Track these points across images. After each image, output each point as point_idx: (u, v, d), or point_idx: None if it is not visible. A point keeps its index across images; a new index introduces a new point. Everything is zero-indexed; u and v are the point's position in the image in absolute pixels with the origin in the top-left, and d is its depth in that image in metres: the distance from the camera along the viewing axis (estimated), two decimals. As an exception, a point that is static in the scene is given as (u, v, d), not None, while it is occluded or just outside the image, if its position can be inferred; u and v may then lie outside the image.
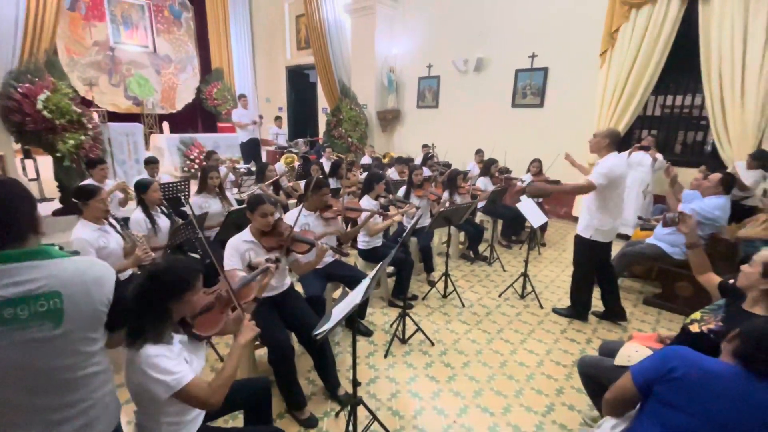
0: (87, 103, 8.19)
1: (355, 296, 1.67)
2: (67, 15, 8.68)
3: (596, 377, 1.93)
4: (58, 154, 4.64)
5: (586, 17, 5.92)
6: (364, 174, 4.62)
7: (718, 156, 5.06)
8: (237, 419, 2.08)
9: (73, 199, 2.45)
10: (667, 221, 1.98)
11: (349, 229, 3.19)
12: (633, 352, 1.83)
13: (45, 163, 5.58)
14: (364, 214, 3.12)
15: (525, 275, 3.67)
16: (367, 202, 3.36)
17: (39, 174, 6.04)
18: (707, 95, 5.00)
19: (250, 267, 2.02)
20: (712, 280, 1.83)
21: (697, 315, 1.68)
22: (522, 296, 3.69)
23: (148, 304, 1.24)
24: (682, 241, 3.22)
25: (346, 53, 8.89)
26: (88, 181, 3.72)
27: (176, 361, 1.24)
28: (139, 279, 1.29)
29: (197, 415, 1.42)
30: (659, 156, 5.09)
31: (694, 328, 1.60)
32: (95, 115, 6.86)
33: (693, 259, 1.90)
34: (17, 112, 4.23)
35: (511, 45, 6.77)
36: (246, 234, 2.28)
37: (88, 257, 1.18)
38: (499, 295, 3.72)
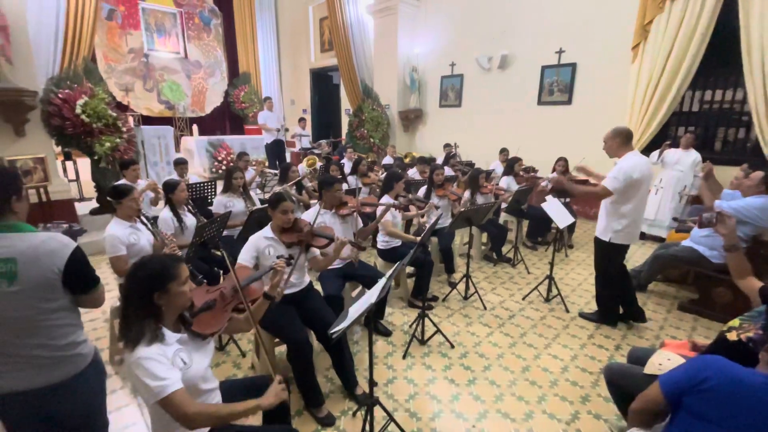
0: (123, 108, 8.63)
1: (371, 295, 1.66)
2: (105, 24, 9.14)
3: (624, 386, 1.83)
4: (95, 156, 4.90)
5: (616, 10, 5.70)
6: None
7: (761, 153, 4.74)
8: (256, 416, 2.11)
9: (108, 198, 2.57)
10: (704, 222, 1.86)
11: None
12: (664, 361, 1.73)
13: (84, 165, 5.90)
14: (380, 209, 3.12)
15: (550, 278, 3.56)
16: (386, 201, 3.34)
17: (78, 175, 6.39)
18: (749, 89, 4.69)
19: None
20: (752, 284, 1.70)
21: (735, 322, 1.57)
22: (547, 299, 3.57)
23: (132, 300, 1.25)
24: (720, 243, 3.03)
25: (368, 54, 8.94)
26: (122, 182, 3.89)
27: (166, 366, 1.23)
28: (126, 277, 1.30)
29: None
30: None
31: (732, 336, 1.49)
32: (130, 119, 7.20)
33: (732, 263, 1.78)
34: (57, 116, 4.48)
35: (537, 41, 6.60)
36: (267, 231, 2.32)
37: (50, 233, 1.33)
38: (523, 298, 3.62)
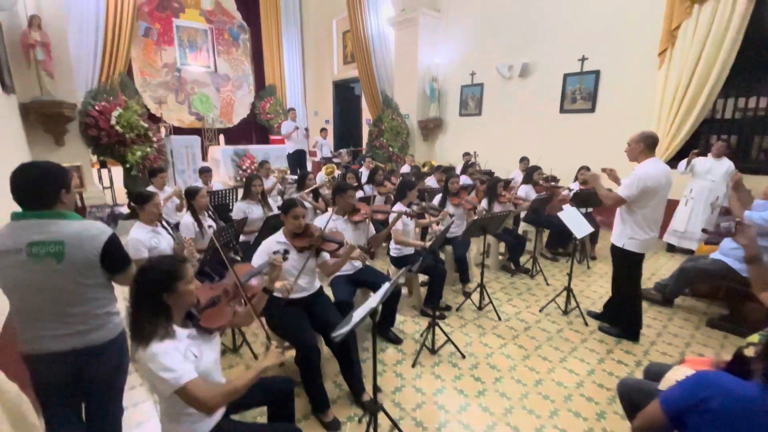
0: (156, 119, 9.08)
1: (374, 300, 1.67)
2: (141, 41, 9.70)
3: (638, 402, 1.75)
4: (127, 165, 5.18)
5: (641, 15, 5.57)
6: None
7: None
8: (264, 417, 2.15)
9: (131, 203, 2.72)
10: (723, 231, 1.77)
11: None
12: (681, 377, 1.65)
13: (118, 173, 6.24)
14: (392, 216, 3.14)
15: (568, 289, 3.45)
16: (398, 209, 3.36)
17: (112, 182, 6.74)
18: (786, 95, 4.46)
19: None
20: (777, 298, 1.60)
21: (754, 338, 1.49)
22: (565, 312, 3.47)
23: (141, 300, 1.31)
24: (753, 256, 2.87)
25: (389, 65, 9.07)
26: (150, 188, 4.09)
27: (179, 358, 1.28)
28: (133, 279, 1.37)
29: None
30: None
31: (750, 352, 1.41)
32: (162, 130, 7.58)
33: (753, 274, 1.69)
34: (94, 126, 4.79)
35: (558, 48, 6.51)
36: (279, 235, 2.39)
37: (91, 222, 1.55)
38: (540, 310, 3.52)
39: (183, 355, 1.30)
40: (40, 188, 1.45)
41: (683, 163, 4.80)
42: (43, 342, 1.49)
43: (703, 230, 3.83)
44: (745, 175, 4.65)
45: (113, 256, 1.55)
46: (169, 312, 1.34)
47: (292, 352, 2.20)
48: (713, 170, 4.69)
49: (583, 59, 6.25)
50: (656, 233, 2.81)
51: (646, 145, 2.69)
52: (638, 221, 2.76)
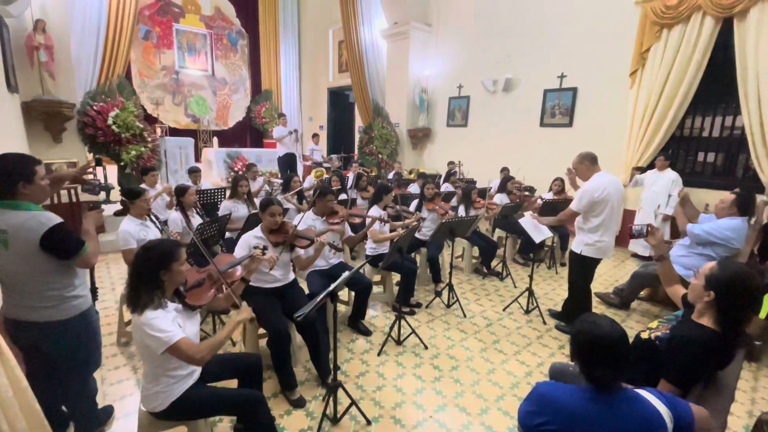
0: (152, 120, 9.29)
1: (332, 285, 1.92)
2: (141, 43, 9.95)
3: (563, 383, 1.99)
4: (122, 163, 5.39)
5: (615, 37, 5.91)
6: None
7: (758, 179, 4.80)
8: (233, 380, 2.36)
9: (123, 198, 2.95)
10: (635, 233, 2.03)
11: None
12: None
13: (113, 170, 6.43)
14: (368, 221, 3.38)
15: (529, 290, 3.70)
16: (375, 212, 3.60)
17: (107, 180, 6.93)
18: (744, 116, 4.80)
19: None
20: (678, 291, 1.86)
21: (654, 324, 1.74)
22: (527, 311, 3.72)
23: (142, 275, 1.54)
24: (694, 263, 3.14)
25: (381, 75, 9.38)
26: (142, 186, 4.30)
27: (170, 323, 1.53)
28: (135, 256, 1.59)
29: (192, 372, 1.71)
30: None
31: (645, 335, 1.67)
32: (158, 130, 7.79)
33: (661, 271, 1.94)
34: (91, 126, 5.01)
35: (539, 65, 6.85)
36: (257, 230, 2.62)
37: (38, 213, 1.63)
38: (504, 309, 3.77)
39: (172, 322, 1.54)
40: (1, 181, 1.57)
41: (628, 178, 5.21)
42: (13, 309, 1.70)
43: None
44: (710, 190, 5.02)
45: (55, 245, 1.63)
46: (163, 286, 1.58)
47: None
48: (657, 182, 5.09)
49: (562, 77, 6.59)
50: (610, 239, 3.07)
51: (589, 162, 2.99)
52: (593, 228, 3.03)
